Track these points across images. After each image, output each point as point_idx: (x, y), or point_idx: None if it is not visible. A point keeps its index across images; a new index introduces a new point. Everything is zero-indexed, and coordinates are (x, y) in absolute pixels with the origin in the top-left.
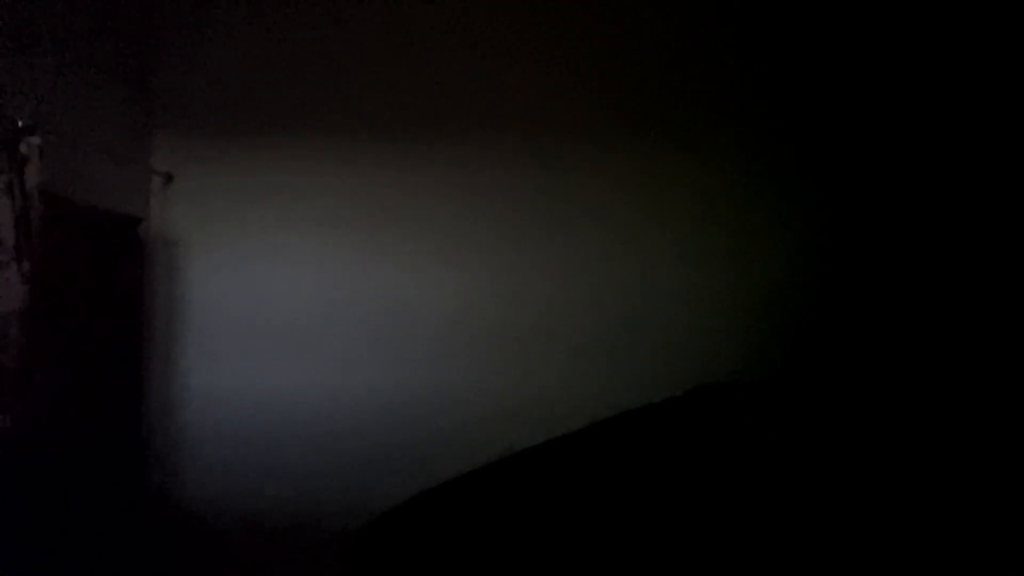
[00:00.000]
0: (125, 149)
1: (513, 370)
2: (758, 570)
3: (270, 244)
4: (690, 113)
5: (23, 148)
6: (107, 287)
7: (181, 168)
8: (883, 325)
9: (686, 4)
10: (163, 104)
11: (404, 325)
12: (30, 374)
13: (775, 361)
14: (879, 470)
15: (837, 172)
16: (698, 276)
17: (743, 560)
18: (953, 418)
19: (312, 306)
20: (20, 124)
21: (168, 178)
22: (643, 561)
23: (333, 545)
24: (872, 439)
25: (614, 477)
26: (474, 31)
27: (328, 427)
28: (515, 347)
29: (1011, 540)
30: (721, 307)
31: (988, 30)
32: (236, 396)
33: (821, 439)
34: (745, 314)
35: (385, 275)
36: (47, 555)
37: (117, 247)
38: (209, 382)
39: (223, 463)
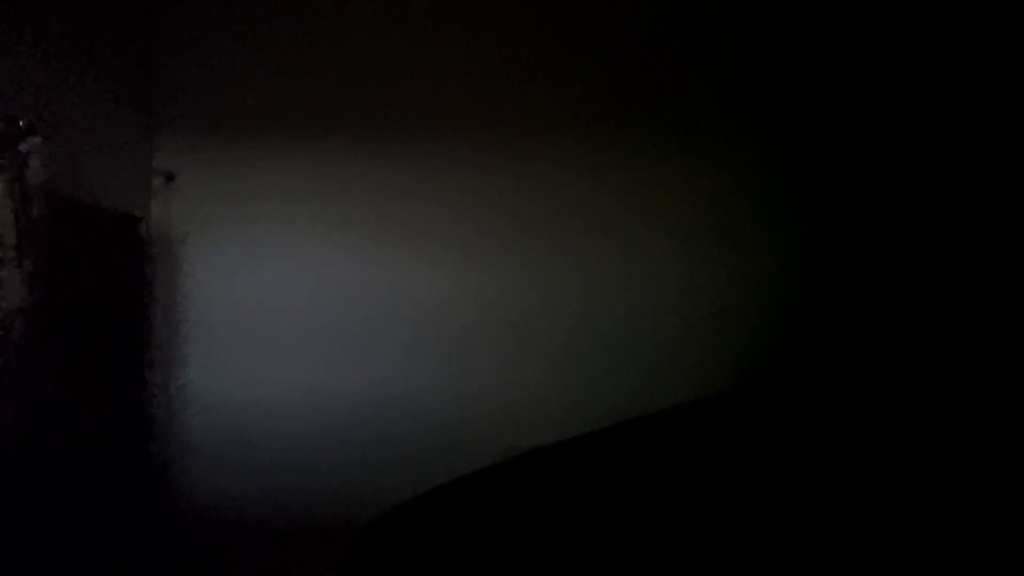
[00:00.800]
0: (126, 148)
1: (513, 369)
2: (762, 571)
3: (271, 243)
4: (687, 112)
5: (24, 148)
6: (108, 286)
7: (182, 167)
8: (885, 326)
9: (684, 4)
10: (164, 103)
11: (406, 324)
12: (31, 374)
13: (775, 362)
14: (882, 471)
15: (838, 172)
16: (696, 276)
17: (746, 562)
18: (959, 418)
19: (314, 305)
20: (21, 124)
21: (169, 177)
22: (648, 562)
23: (336, 543)
24: (875, 441)
25: (630, 481)
26: (473, 32)
27: (330, 426)
28: (515, 347)
29: (1012, 541)
30: (719, 307)
31: (990, 32)
32: (238, 394)
33: (823, 440)
34: (744, 315)
35: (387, 275)
36: (48, 556)
37: (118, 246)
38: (211, 381)
39: (225, 461)
